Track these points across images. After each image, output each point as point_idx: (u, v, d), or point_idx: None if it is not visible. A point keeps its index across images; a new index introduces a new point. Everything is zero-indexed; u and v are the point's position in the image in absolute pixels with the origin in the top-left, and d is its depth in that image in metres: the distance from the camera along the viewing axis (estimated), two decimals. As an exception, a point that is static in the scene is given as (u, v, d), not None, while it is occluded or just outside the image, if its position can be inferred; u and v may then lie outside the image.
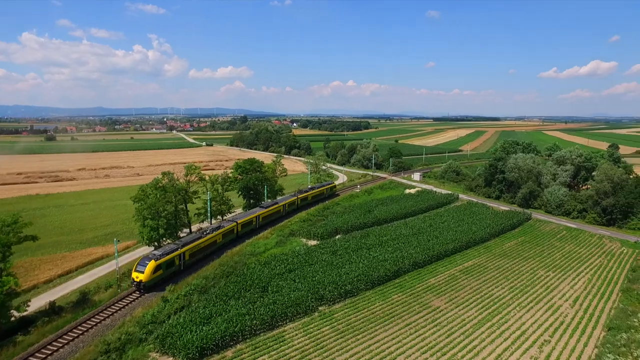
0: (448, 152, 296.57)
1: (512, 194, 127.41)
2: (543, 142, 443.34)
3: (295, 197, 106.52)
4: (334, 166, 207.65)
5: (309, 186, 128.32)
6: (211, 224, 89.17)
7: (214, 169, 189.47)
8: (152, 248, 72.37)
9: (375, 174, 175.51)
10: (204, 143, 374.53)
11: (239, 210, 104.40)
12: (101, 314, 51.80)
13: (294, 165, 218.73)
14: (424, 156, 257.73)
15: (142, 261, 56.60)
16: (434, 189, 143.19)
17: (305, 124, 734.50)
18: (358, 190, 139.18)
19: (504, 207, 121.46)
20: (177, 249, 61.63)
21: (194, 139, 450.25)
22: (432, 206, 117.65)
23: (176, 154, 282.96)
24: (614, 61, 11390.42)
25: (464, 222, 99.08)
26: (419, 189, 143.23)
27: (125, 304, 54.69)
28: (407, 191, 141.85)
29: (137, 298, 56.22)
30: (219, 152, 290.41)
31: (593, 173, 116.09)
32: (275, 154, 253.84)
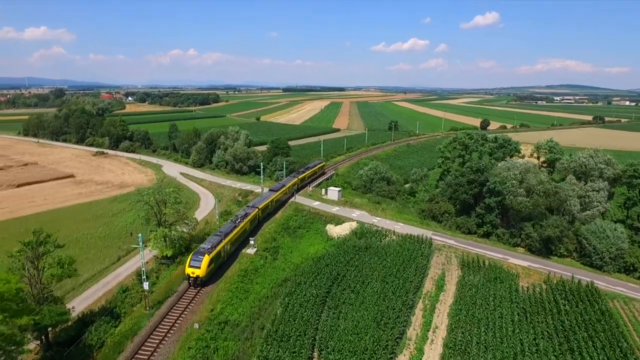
0: (325, 134, 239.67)
1: (515, 230, 72.22)
2: (399, 114, 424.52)
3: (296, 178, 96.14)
4: (187, 170, 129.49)
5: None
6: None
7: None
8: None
9: (253, 187, 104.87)
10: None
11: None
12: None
13: (122, 169, 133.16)
14: (302, 142, 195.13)
15: (195, 256, 53.90)
16: (374, 221, 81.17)
17: (143, 97, 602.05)
18: (252, 252, 68.45)
19: (517, 260, 66.02)
20: (221, 241, 58.65)
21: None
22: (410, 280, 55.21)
23: None
24: (427, 40, 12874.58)
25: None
26: (352, 224, 79.19)
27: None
28: (333, 232, 76.62)
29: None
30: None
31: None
32: (95, 150, 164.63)
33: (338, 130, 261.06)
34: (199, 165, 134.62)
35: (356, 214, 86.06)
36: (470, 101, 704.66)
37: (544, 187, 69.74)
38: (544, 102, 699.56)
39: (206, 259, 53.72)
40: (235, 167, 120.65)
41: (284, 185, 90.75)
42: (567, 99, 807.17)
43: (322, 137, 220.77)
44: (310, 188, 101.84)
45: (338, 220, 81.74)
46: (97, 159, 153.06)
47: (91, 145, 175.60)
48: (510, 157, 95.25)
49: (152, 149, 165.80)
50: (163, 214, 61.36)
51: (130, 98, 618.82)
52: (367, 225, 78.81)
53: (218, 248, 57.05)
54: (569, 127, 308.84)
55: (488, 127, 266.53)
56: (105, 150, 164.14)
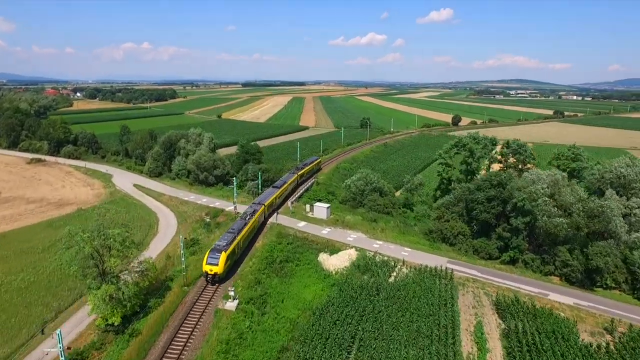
0: (294, 132, 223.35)
1: (548, 256, 59.65)
2: (365, 109, 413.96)
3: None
4: (142, 181, 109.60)
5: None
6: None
7: None
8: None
9: (224, 203, 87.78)
10: None
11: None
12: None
13: (63, 181, 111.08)
14: (270, 142, 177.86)
15: (212, 254, 53.15)
16: (376, 246, 66.59)
17: (93, 93, 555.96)
18: (231, 307, 51.86)
19: (558, 296, 53.45)
20: (234, 238, 57.83)
21: None
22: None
23: None
24: (384, 34, 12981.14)
25: None
26: (351, 252, 64.08)
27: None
28: (330, 265, 61.30)
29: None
30: None
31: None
32: (30, 156, 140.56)
33: (306, 128, 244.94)
34: (156, 174, 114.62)
35: (352, 237, 70.87)
36: (431, 95, 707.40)
37: (584, 205, 57.58)
38: (501, 96, 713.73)
39: (223, 256, 53.39)
40: (200, 178, 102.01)
41: (285, 182, 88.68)
42: (520, 93, 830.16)
43: (291, 136, 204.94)
44: (291, 203, 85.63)
45: (332, 248, 66.23)
46: (33, 167, 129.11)
47: (26, 150, 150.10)
48: (525, 166, 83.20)
49: (101, 154, 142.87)
50: (107, 264, 43.28)
51: (78, 94, 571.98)
52: (369, 254, 63.90)
53: (233, 245, 56.73)
54: (535, 122, 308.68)
55: (460, 123, 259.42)
56: (43, 157, 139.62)
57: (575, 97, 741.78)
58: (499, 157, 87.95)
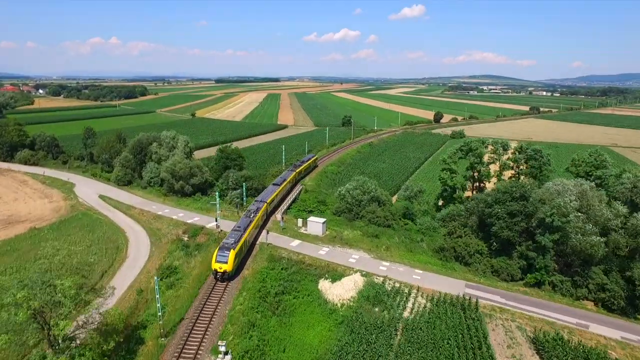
0: (273, 131, 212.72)
1: (581, 278, 52.38)
2: (343, 106, 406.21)
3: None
4: (109, 191, 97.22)
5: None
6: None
7: None
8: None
9: (204, 218, 77.44)
10: None
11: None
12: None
13: (16, 192, 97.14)
14: (250, 143, 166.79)
15: (221, 252, 53.08)
16: (382, 268, 58.12)
17: (57, 90, 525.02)
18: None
19: (602, 328, 46.24)
20: (242, 236, 57.56)
21: None
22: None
23: None
24: (358, 30, 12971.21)
25: None
26: (356, 277, 55.09)
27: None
28: (333, 295, 52.30)
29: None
30: None
31: None
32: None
33: (285, 126, 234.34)
34: (125, 182, 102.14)
35: (354, 257, 61.85)
36: (406, 91, 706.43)
37: (623, 221, 50.45)
38: (475, 92, 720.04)
39: (232, 253, 53.29)
40: (175, 187, 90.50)
41: (284, 180, 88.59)
42: (492, 89, 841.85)
43: (270, 136, 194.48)
44: (280, 216, 75.90)
45: (334, 273, 56.97)
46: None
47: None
48: (541, 174, 75.68)
49: (62, 159, 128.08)
50: (54, 330, 32.23)
51: (41, 91, 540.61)
52: (377, 280, 55.09)
53: (240, 243, 56.35)
54: (514, 119, 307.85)
55: (441, 120, 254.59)
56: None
57: (544, 93, 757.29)
58: (512, 163, 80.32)
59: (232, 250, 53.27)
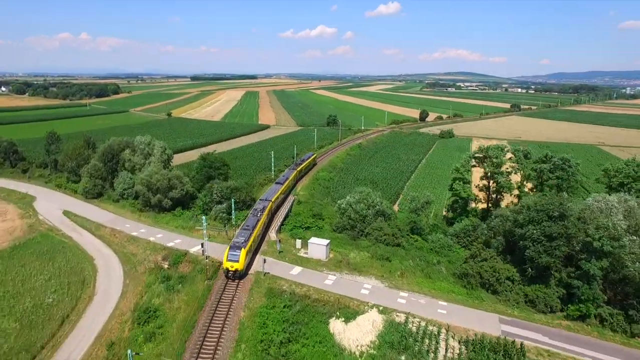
0: (254, 132, 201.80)
1: (636, 313, 45.05)
2: (322, 103, 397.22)
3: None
4: (75, 206, 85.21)
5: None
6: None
7: None
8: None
9: (186, 239, 67.47)
10: None
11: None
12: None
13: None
14: (231, 145, 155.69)
15: (232, 251, 53.42)
16: (401, 300, 49.58)
17: (22, 88, 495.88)
18: None
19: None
20: (251, 234, 57.96)
21: None
22: None
23: None
24: (334, 27, 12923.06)
25: None
26: (372, 315, 46.30)
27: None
28: (350, 341, 43.49)
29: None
30: None
31: None
32: None
33: (267, 127, 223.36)
34: (94, 195, 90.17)
35: (366, 287, 52.86)
36: (385, 88, 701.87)
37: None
38: (452, 89, 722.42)
39: (243, 252, 53.25)
40: (152, 202, 79.36)
41: (287, 178, 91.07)
42: (469, 86, 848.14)
43: (252, 137, 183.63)
44: (276, 236, 66.39)
45: (346, 310, 47.81)
46: None
47: None
48: (570, 186, 68.09)
49: (23, 167, 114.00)
50: None
51: (4, 88, 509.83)
52: (399, 318, 46.30)
53: (250, 241, 56.34)
54: (497, 116, 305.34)
55: (427, 119, 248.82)
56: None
57: (519, 90, 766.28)
58: (534, 173, 72.46)
59: (242, 249, 53.57)
